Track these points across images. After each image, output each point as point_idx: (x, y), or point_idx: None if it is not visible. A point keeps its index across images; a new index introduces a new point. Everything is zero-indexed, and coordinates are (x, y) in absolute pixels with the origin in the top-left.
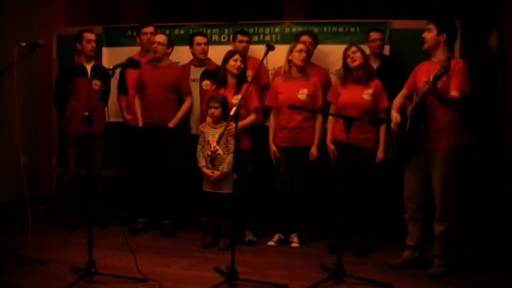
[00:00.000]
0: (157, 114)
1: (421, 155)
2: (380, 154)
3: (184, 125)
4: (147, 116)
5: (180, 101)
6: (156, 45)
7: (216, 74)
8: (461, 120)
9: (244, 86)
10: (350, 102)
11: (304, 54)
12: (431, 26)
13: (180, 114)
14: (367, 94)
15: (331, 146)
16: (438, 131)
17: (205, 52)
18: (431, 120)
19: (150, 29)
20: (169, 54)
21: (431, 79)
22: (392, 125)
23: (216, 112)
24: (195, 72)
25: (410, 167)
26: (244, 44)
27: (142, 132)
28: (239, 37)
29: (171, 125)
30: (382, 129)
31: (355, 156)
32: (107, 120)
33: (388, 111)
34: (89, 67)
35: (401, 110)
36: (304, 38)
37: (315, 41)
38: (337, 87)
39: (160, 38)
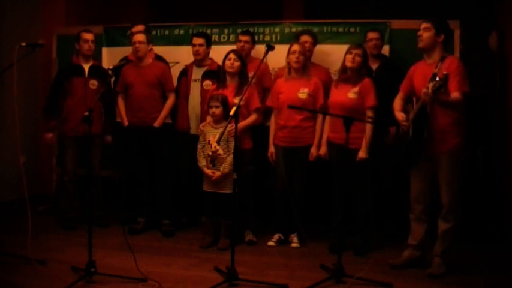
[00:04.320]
0: (144, 113)
1: (426, 156)
2: (362, 153)
3: (178, 124)
4: (134, 116)
5: (165, 99)
6: (137, 44)
7: (217, 74)
8: (463, 120)
9: (245, 87)
10: (334, 101)
11: (297, 55)
12: (429, 25)
13: (164, 112)
14: (352, 93)
15: (325, 149)
16: (441, 133)
17: (199, 53)
18: (434, 123)
19: (139, 28)
20: (150, 51)
21: (430, 91)
22: (401, 122)
23: (217, 111)
24: (197, 73)
25: (416, 169)
26: (242, 44)
27: (132, 132)
28: (239, 37)
29: (156, 124)
30: (368, 128)
31: (350, 155)
32: None
33: (375, 110)
34: (86, 67)
35: (403, 111)
36: (304, 37)
37: (315, 40)
38: (331, 89)
39: (141, 37)
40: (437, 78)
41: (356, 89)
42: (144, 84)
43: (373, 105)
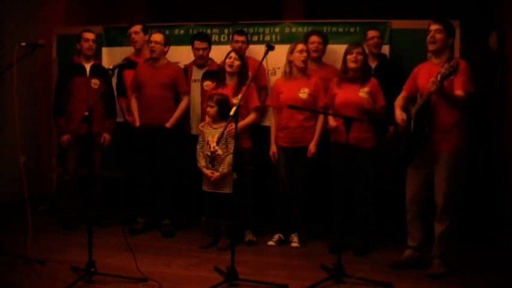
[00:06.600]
0: (155, 114)
1: (424, 155)
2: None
3: (185, 126)
4: (144, 116)
5: (177, 100)
6: (153, 44)
7: (217, 75)
8: (464, 122)
9: (244, 86)
10: (347, 101)
11: (305, 55)
12: (441, 27)
13: (177, 113)
14: (363, 92)
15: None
16: (443, 131)
17: (203, 57)
18: (436, 121)
19: (136, 28)
20: (165, 53)
21: (438, 78)
22: (399, 121)
23: (211, 111)
24: (197, 73)
25: (413, 168)
26: (240, 44)
27: (141, 132)
28: (235, 37)
29: (168, 125)
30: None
31: (354, 156)
32: None
33: (385, 110)
34: (88, 66)
35: (404, 110)
36: (313, 38)
37: (325, 40)
38: (333, 89)
39: (158, 37)
40: (447, 66)
41: (366, 88)
42: (157, 85)
43: (384, 105)
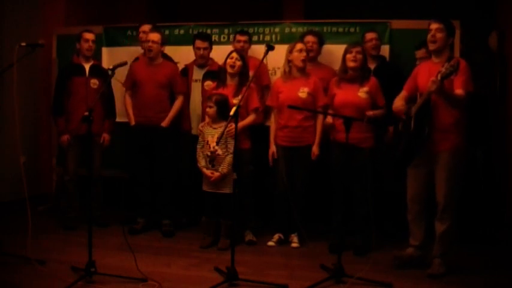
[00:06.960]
0: (153, 113)
1: (425, 155)
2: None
3: (182, 125)
4: (142, 115)
5: (172, 100)
6: (150, 43)
7: (218, 75)
8: (464, 122)
9: (245, 87)
10: (346, 101)
11: (304, 54)
12: (442, 26)
13: (172, 113)
14: (362, 92)
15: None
16: (443, 131)
17: (204, 56)
18: (436, 120)
19: (145, 28)
20: (162, 52)
21: (438, 78)
22: (399, 108)
23: (211, 111)
24: (198, 73)
25: (414, 168)
26: (241, 44)
27: (139, 131)
28: (237, 37)
29: (164, 124)
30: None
31: (353, 156)
32: None
33: (385, 108)
34: (87, 66)
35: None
36: (308, 38)
37: (321, 40)
38: (332, 89)
39: (155, 36)
40: (448, 65)
41: (366, 88)
42: (154, 84)
43: (384, 104)
